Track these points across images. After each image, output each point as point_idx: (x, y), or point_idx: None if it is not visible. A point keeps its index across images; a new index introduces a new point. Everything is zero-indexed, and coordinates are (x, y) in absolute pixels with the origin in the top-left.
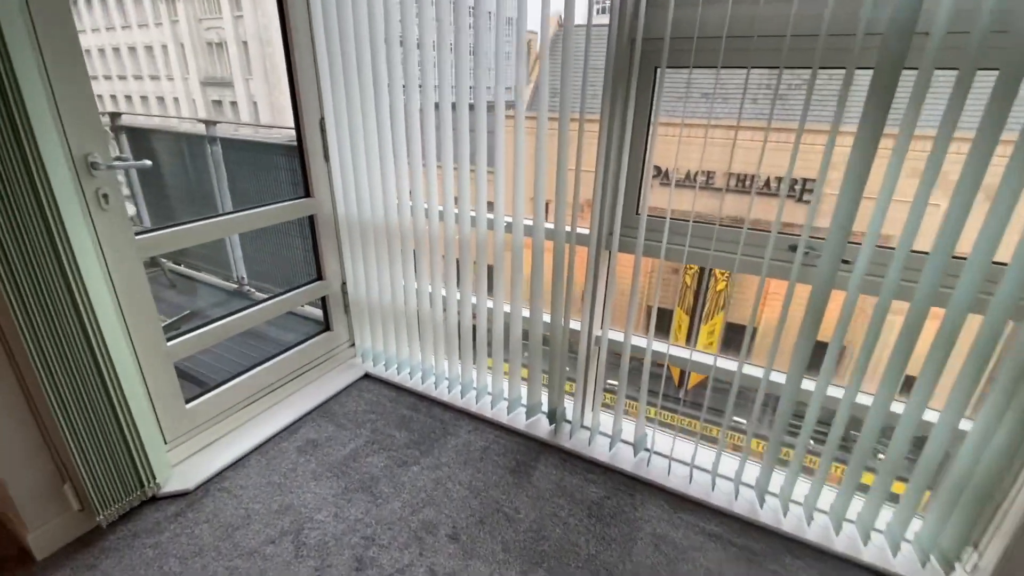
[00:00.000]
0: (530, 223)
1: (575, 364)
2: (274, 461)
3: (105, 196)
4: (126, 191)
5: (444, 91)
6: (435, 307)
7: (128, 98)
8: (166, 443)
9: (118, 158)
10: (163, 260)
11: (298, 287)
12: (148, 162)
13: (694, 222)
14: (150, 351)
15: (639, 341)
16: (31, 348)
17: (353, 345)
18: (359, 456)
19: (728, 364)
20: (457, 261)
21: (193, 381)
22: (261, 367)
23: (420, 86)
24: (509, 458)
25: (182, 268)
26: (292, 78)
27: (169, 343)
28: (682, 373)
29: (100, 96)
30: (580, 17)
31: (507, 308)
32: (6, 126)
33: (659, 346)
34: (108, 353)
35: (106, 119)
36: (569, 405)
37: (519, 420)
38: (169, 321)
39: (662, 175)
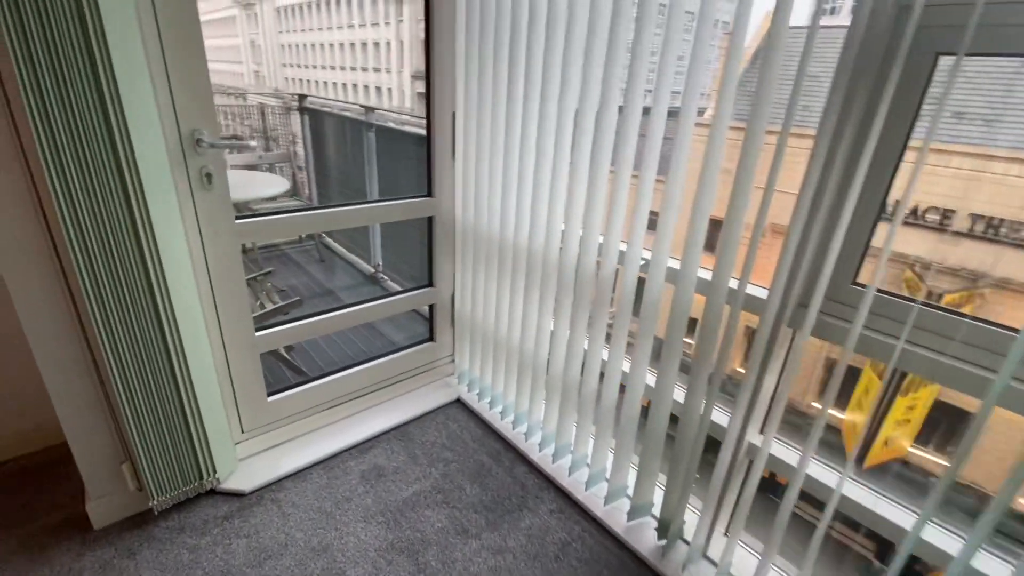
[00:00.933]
0: (677, 266)
1: (710, 470)
2: (335, 482)
3: (208, 175)
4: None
5: (610, 92)
6: (541, 345)
7: (344, 86)
8: (243, 432)
9: (228, 137)
10: (322, 235)
11: (407, 291)
12: (253, 143)
13: (977, 321)
14: (237, 339)
15: (822, 474)
16: (97, 317)
17: (453, 362)
18: (419, 505)
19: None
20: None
21: (289, 365)
22: (354, 369)
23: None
24: (593, 569)
25: (332, 243)
26: (429, 61)
27: (257, 333)
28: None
29: (316, 82)
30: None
31: (626, 367)
32: (91, 92)
33: (857, 493)
34: (179, 338)
35: (294, 100)
36: (691, 521)
37: (618, 517)
38: (279, 305)
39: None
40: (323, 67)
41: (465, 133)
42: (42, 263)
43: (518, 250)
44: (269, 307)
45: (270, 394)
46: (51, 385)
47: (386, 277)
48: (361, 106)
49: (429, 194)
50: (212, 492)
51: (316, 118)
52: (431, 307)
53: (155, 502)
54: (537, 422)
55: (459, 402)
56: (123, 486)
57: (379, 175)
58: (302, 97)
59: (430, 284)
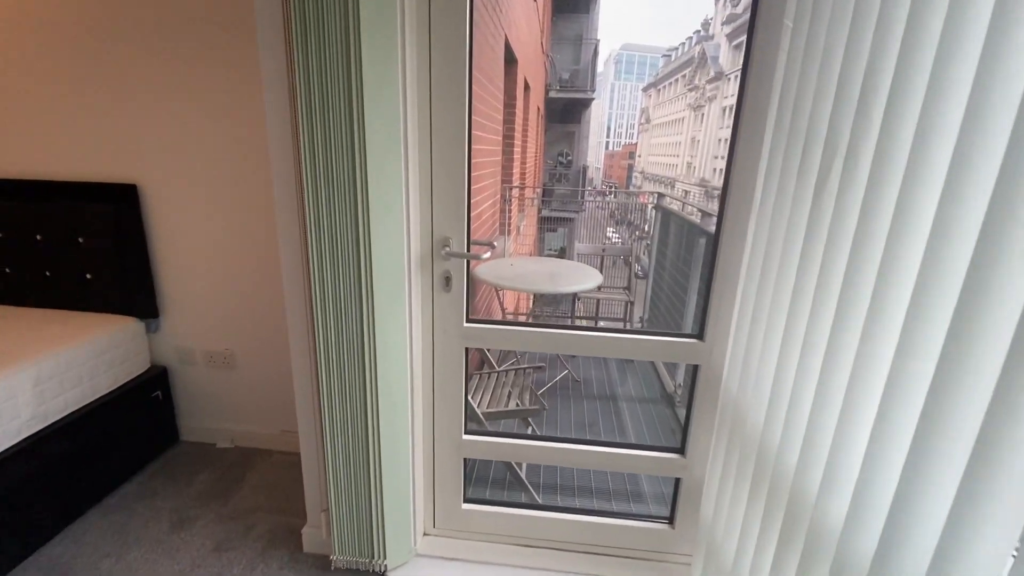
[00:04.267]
0: None
1: None
2: None
3: (448, 279)
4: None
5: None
6: None
7: None
8: (435, 527)
9: (482, 243)
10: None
11: (653, 448)
12: (488, 254)
13: None
14: (445, 437)
15: None
16: (323, 379)
17: (689, 566)
18: None
19: None
20: None
21: (514, 474)
22: (563, 516)
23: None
24: None
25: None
26: (730, 163)
27: (464, 437)
28: None
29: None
30: None
31: None
32: (349, 199)
33: None
34: (378, 428)
35: (653, 198)
36: None
37: None
38: (521, 408)
39: None
40: None
41: (748, 269)
42: (305, 320)
43: (797, 497)
44: (512, 406)
45: (468, 501)
46: (299, 412)
47: (683, 404)
48: (699, 210)
49: (699, 336)
50: (381, 574)
51: (666, 217)
52: (678, 481)
53: (334, 557)
54: None
55: None
56: (320, 528)
57: (698, 294)
58: (660, 196)
59: (680, 450)
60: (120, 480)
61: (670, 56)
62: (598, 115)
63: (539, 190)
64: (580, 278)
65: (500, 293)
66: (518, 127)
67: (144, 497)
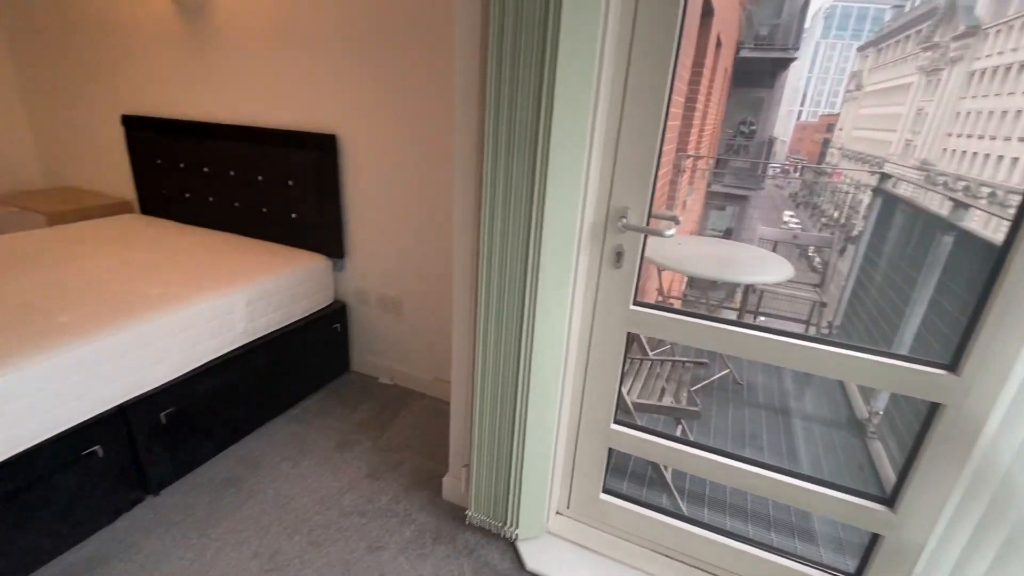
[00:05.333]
0: None
1: None
2: None
3: (619, 255)
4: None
5: None
6: None
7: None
8: (568, 508)
9: (667, 218)
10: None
11: (842, 488)
12: (671, 232)
13: None
14: (592, 422)
15: None
16: (480, 338)
17: None
18: None
19: None
20: None
21: (658, 472)
22: (705, 532)
23: None
24: None
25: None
26: None
27: (613, 426)
28: None
29: (989, 156)
30: None
31: None
32: (527, 162)
33: None
34: (526, 401)
35: (874, 178)
36: None
37: None
38: (675, 406)
39: None
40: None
41: None
42: (470, 279)
43: None
44: (667, 402)
45: (606, 492)
46: (453, 370)
47: (876, 431)
48: (952, 199)
49: (951, 367)
50: (511, 542)
51: (889, 203)
52: (875, 538)
53: (470, 512)
54: None
55: None
56: (460, 481)
57: (930, 307)
58: (884, 176)
59: (888, 501)
60: (301, 396)
61: (903, 6)
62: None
63: (711, 162)
64: (765, 268)
65: (660, 273)
66: (703, 90)
67: (319, 415)
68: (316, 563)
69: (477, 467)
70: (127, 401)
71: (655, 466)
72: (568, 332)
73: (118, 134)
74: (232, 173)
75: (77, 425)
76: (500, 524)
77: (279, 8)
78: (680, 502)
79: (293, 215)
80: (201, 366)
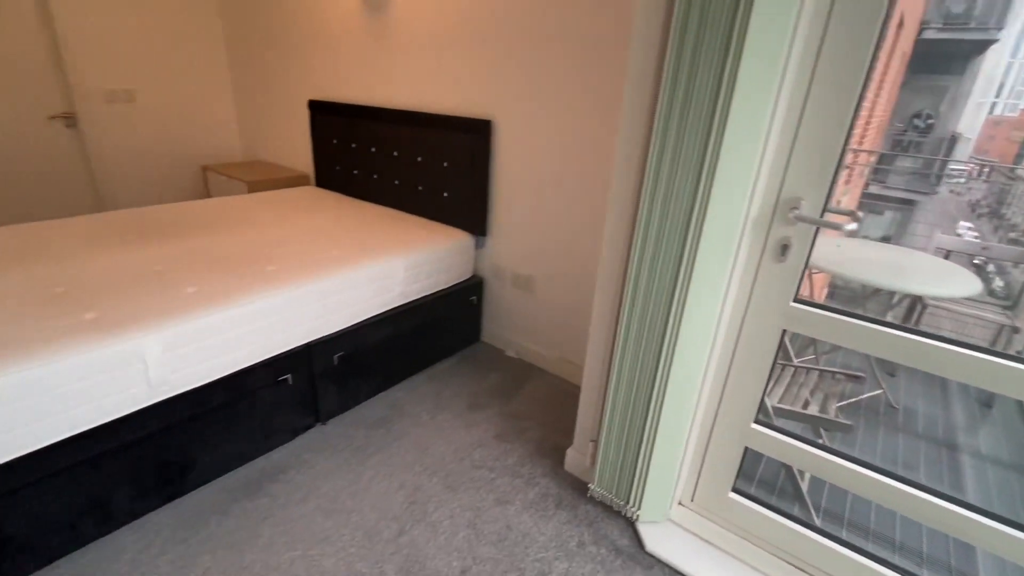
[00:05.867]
0: None
1: None
2: None
3: (785, 248)
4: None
5: None
6: None
7: None
8: (693, 501)
9: (845, 212)
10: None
11: None
12: (854, 225)
13: None
14: (729, 419)
15: None
16: (625, 316)
17: None
18: None
19: None
20: None
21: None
22: (845, 550)
23: None
24: None
25: None
26: None
27: (753, 426)
28: None
29: None
30: None
31: None
32: (697, 147)
33: None
34: (663, 391)
35: None
36: None
37: None
38: (823, 416)
39: None
40: None
41: None
42: (620, 268)
43: None
44: (813, 411)
45: (735, 491)
46: (590, 345)
47: None
48: None
49: None
50: (630, 521)
51: None
52: None
53: (592, 486)
54: None
55: None
56: (584, 455)
57: None
58: None
59: None
60: (440, 357)
61: None
62: (989, 65)
63: (873, 158)
64: (944, 279)
65: (809, 276)
66: (875, 77)
67: (454, 376)
68: (451, 504)
69: (604, 445)
70: (312, 341)
71: (789, 475)
72: (717, 322)
73: (304, 116)
74: (395, 153)
75: (276, 356)
76: (622, 502)
77: (449, 8)
78: (814, 516)
79: (445, 193)
80: (366, 319)
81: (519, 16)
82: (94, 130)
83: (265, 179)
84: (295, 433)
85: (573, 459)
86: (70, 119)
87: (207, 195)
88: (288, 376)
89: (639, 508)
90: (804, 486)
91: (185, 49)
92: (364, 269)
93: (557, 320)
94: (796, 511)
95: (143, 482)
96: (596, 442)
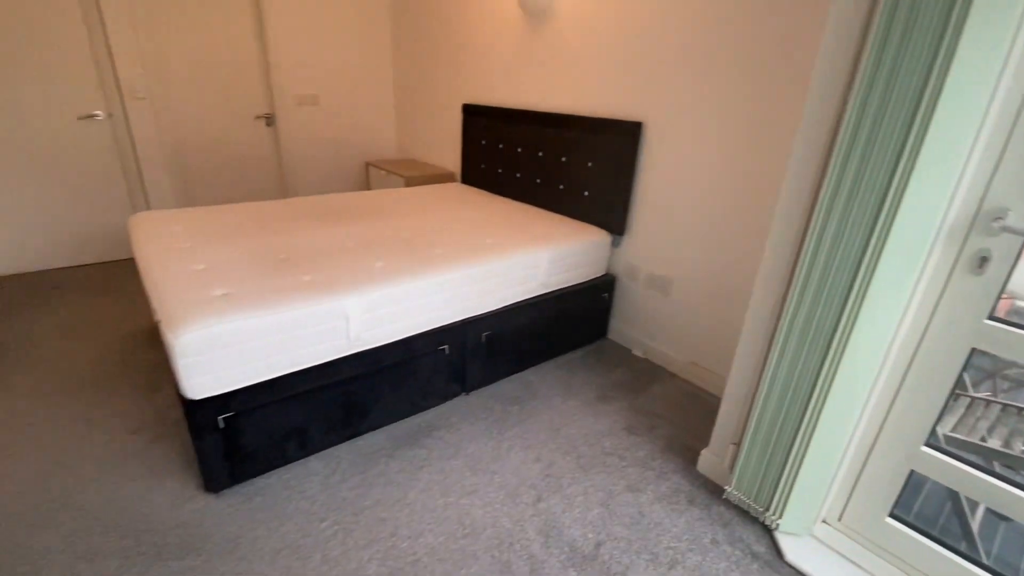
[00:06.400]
0: None
1: None
2: None
3: (984, 260)
4: None
5: None
6: None
7: None
8: (840, 521)
9: None
10: None
11: None
12: None
13: None
14: (893, 439)
15: None
16: (784, 328)
17: None
18: None
19: None
20: None
21: (958, 513)
22: None
23: None
24: None
25: None
26: None
27: (924, 449)
28: None
29: None
30: None
31: None
32: (888, 160)
33: None
34: (821, 403)
35: None
36: None
37: None
38: (1007, 451)
39: None
40: None
41: None
42: (784, 276)
43: None
44: (995, 444)
45: (893, 516)
46: (740, 347)
47: None
48: None
49: None
50: (767, 528)
51: None
52: None
53: (729, 488)
54: None
55: None
56: (723, 456)
57: None
58: None
59: None
60: (567, 349)
61: None
62: None
63: None
64: None
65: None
66: None
67: (581, 367)
68: (584, 483)
69: (748, 449)
70: (466, 318)
71: (956, 511)
72: (893, 337)
73: (457, 118)
74: (540, 154)
75: (437, 328)
76: (761, 509)
77: (607, 14)
78: (983, 558)
79: (586, 192)
80: (511, 304)
81: (682, 24)
82: (286, 128)
83: (419, 175)
84: (444, 398)
85: (707, 460)
86: (270, 119)
87: (368, 187)
88: (446, 347)
89: (780, 517)
90: (975, 525)
91: (359, 61)
92: (515, 257)
93: (693, 324)
94: (964, 547)
95: (333, 419)
96: (738, 445)
